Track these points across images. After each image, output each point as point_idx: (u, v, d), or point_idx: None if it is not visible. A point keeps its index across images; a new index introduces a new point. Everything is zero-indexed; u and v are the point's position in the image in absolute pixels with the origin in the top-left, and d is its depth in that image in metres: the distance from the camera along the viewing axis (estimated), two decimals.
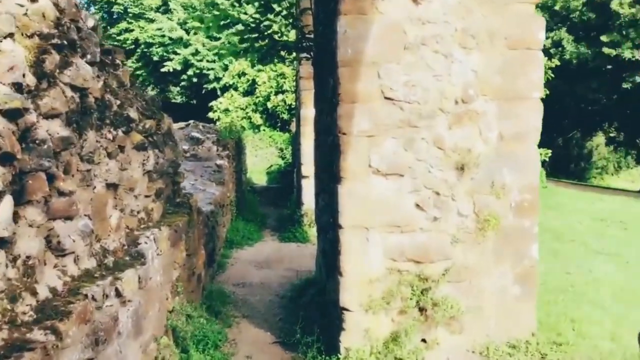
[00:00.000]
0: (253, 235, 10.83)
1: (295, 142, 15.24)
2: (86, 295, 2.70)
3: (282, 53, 5.21)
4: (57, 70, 2.78)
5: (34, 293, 2.47)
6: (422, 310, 4.53)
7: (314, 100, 6.46)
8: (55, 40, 2.75)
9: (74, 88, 2.93)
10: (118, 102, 3.89)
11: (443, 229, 4.51)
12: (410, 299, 4.49)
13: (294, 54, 6.99)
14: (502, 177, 4.51)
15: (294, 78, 21.51)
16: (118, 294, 3.15)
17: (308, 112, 10.90)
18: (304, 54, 6.26)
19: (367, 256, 4.46)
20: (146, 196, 4.56)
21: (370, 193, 4.42)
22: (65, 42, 2.86)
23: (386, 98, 4.38)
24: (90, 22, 3.47)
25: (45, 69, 2.59)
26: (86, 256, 3.10)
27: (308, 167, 10.93)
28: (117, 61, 4.00)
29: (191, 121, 11.44)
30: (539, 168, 4.60)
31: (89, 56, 3.23)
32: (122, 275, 3.30)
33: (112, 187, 3.64)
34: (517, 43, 4.44)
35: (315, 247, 10.06)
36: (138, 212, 4.32)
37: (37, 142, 2.50)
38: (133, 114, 4.08)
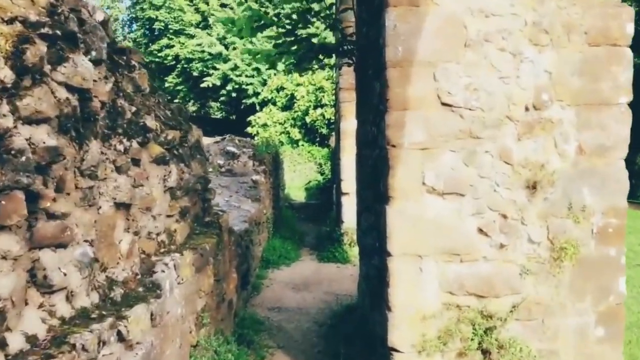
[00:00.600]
0: (290, 255, 10.26)
1: (334, 157, 14.67)
2: (74, 345, 2.15)
3: (321, 57, 4.68)
4: (48, 66, 2.27)
5: (3, 345, 1.93)
6: (485, 353, 3.83)
7: (356, 110, 5.87)
8: (45, 30, 2.25)
9: (70, 89, 2.42)
10: (133, 108, 3.39)
11: (511, 258, 3.82)
12: (472, 339, 3.81)
13: (334, 60, 6.39)
14: (582, 197, 3.80)
15: (333, 91, 21.02)
16: (121, 338, 2.59)
17: (348, 125, 10.32)
18: (345, 60, 5.67)
19: (421, 289, 3.81)
20: (168, 216, 4.04)
21: (425, 215, 3.77)
22: (60, 33, 2.35)
23: (443, 104, 3.74)
24: (100, 16, 2.97)
25: (27, 62, 2.08)
26: (85, 291, 2.57)
27: (348, 183, 10.32)
28: (133, 62, 3.51)
29: (227, 135, 11.01)
30: (627, 187, 3.86)
31: (93, 53, 2.72)
32: (129, 313, 2.74)
33: (122, 206, 3.11)
34: (600, 38, 3.75)
35: (356, 268, 9.41)
36: (157, 235, 3.79)
37: (12, 152, 1.98)
38: (151, 122, 3.57)
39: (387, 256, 3.83)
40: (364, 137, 5.23)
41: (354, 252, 10.04)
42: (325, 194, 16.61)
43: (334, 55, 5.54)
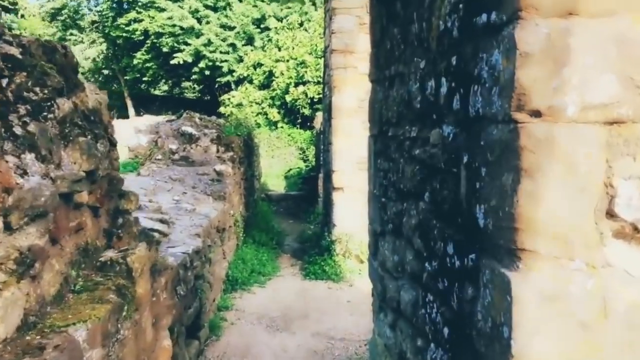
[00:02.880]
0: (266, 268, 7.88)
1: (321, 141, 12.24)
2: None
3: None
4: None
5: None
6: None
7: (372, 62, 3.49)
8: None
9: None
10: None
11: None
12: None
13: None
14: None
15: (317, 66, 18.52)
16: None
17: (343, 99, 7.93)
18: None
19: None
20: None
21: (610, 300, 1.43)
22: None
23: None
24: None
25: None
26: None
27: (342, 175, 7.96)
28: None
29: (184, 112, 8.50)
30: None
31: None
32: None
33: None
34: None
35: (353, 290, 7.07)
36: None
37: None
38: None
39: None
40: (392, 107, 2.88)
41: (348, 265, 7.72)
42: (309, 184, 14.24)
43: None
